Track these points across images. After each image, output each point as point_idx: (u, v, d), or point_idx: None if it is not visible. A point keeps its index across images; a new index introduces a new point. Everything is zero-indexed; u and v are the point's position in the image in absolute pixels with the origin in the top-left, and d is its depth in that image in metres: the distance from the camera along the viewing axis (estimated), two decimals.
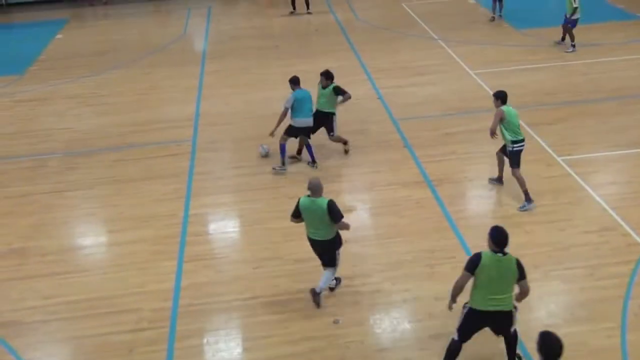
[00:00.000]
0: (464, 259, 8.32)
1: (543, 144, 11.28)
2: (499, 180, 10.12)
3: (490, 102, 9.88)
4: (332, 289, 8.05)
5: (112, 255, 9.15)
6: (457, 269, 8.15)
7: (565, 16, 15.80)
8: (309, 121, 10.79)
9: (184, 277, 8.44)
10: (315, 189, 7.39)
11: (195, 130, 12.73)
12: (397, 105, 13.30)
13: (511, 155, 9.47)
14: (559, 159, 10.80)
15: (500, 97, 9.49)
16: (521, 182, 9.49)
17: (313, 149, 11.03)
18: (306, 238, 7.78)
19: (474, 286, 6.35)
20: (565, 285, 7.97)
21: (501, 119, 9.33)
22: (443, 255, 8.59)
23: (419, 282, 8.13)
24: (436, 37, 17.67)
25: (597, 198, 9.65)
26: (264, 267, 8.58)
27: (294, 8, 20.99)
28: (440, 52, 16.48)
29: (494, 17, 18.73)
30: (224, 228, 9.69)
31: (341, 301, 7.87)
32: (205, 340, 7.44)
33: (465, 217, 9.47)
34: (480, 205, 9.97)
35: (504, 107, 9.40)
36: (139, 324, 7.67)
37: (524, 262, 6.34)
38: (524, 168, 9.70)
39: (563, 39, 16.21)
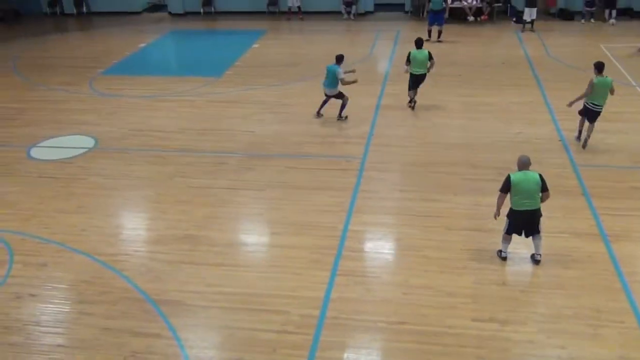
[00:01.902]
0: (634, 326, 7.67)
1: None
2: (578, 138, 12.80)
3: None
4: (537, 262, 8.92)
5: (272, 256, 9.56)
6: (624, 335, 7.53)
7: None
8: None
9: (334, 290, 8.60)
10: (526, 164, 8.68)
11: (367, 149, 12.96)
12: (579, 150, 12.52)
13: (586, 111, 12.31)
14: None
15: (597, 67, 12.02)
16: (589, 131, 12.38)
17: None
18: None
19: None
20: None
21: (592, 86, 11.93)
22: (609, 317, 7.89)
23: (578, 340, 7.55)
24: (634, 84, 16.39)
25: None
26: (415, 294, 8.48)
27: (429, 36, 21.10)
28: (634, 100, 15.25)
29: None
30: (380, 248, 9.72)
31: (489, 345, 7.54)
32: (345, 355, 7.51)
33: (639, 281, 8.64)
34: None
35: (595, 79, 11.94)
36: (285, 326, 7.94)
37: None
38: None
39: None
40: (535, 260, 9.01)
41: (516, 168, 8.79)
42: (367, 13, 26.11)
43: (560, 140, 13.04)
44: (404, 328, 7.87)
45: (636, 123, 13.75)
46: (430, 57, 14.55)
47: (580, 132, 12.86)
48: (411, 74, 14.83)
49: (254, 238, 10.14)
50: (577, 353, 7.36)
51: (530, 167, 8.73)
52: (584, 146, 12.55)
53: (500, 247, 9.14)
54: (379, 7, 26.54)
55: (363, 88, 15.45)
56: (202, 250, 9.64)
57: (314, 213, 10.55)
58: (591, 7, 23.53)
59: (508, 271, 8.95)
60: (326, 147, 13.15)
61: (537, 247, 8.97)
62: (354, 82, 14.19)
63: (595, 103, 12.14)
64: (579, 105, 12.49)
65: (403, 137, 13.44)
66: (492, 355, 7.39)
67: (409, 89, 15.00)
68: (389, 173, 12.06)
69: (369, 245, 9.82)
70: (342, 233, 9.93)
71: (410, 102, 15.12)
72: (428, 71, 14.74)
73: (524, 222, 8.78)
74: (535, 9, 22.27)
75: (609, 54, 19.14)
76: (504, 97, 15.71)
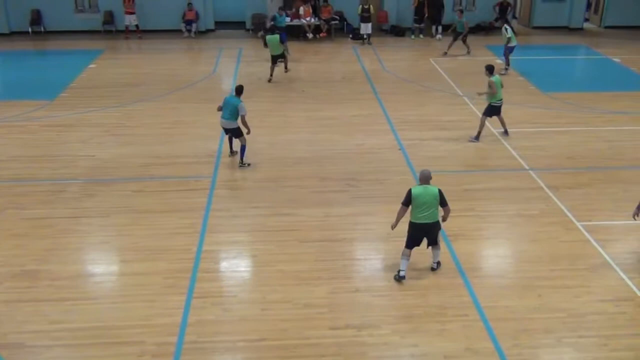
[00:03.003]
0: (477, 319, 8.25)
1: (563, 207, 11.16)
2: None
3: (512, 162, 9.92)
4: (433, 269, 9.23)
5: (122, 285, 9.12)
6: (468, 328, 8.07)
7: (505, 45, 19.41)
8: None
9: (191, 313, 8.37)
10: (427, 177, 8.91)
11: (216, 168, 12.82)
12: (418, 158, 13.31)
13: (490, 108, 14.06)
14: (578, 224, 10.66)
15: (488, 69, 14.05)
16: (481, 125, 14.09)
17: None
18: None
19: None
20: (577, 354, 7.75)
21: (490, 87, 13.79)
22: (454, 312, 8.41)
23: (428, 337, 7.95)
24: (461, 94, 17.79)
25: (615, 267, 9.46)
26: (272, 310, 8.48)
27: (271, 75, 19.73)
28: (464, 109, 16.55)
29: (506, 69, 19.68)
30: (236, 266, 9.63)
31: (347, 351, 7.72)
32: None
33: (480, 276, 9.32)
34: (496, 264, 9.84)
35: (493, 78, 13.82)
36: (141, 357, 7.58)
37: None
38: (543, 230, 9.95)
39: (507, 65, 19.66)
40: (432, 268, 9.31)
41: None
42: (208, 31, 25.94)
43: (399, 149, 13.77)
44: (263, 345, 7.83)
45: (466, 130, 14.89)
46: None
47: (479, 132, 14.19)
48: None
49: (101, 268, 9.60)
50: (428, 349, 7.76)
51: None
52: (506, 132, 14.42)
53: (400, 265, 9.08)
54: (219, 24, 26.49)
55: (209, 106, 15.27)
56: (42, 285, 8.94)
57: (165, 237, 10.22)
58: (420, 24, 25.25)
59: (360, 278, 9.26)
60: (174, 168, 12.83)
61: (435, 256, 9.28)
62: (248, 132, 12.83)
63: (499, 99, 14.00)
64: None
65: (253, 153, 13.44)
66: None
67: None
68: (241, 190, 12.04)
69: (224, 265, 9.69)
70: (196, 255, 9.71)
71: None
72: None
73: (422, 235, 8.95)
74: (369, 24, 23.62)
75: (437, 67, 20.62)
76: (345, 111, 16.32)
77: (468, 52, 22.05)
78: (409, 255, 9.06)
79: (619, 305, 8.58)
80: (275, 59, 18.87)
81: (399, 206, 8.91)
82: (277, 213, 11.02)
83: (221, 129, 13.08)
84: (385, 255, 9.87)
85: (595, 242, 10.10)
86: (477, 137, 14.21)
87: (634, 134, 14.87)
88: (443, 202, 8.86)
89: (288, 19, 23.74)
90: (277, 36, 18.78)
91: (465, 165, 13.13)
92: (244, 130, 12.75)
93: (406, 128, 15.06)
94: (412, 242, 9.01)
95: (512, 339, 7.88)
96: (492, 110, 14.15)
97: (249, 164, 12.90)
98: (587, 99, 17.22)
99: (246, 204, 11.39)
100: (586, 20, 27.58)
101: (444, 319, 8.29)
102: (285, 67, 19.47)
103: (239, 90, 12.92)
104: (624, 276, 9.21)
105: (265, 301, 8.66)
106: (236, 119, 12.64)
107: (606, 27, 27.02)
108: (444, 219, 9.09)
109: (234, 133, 12.92)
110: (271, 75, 18.93)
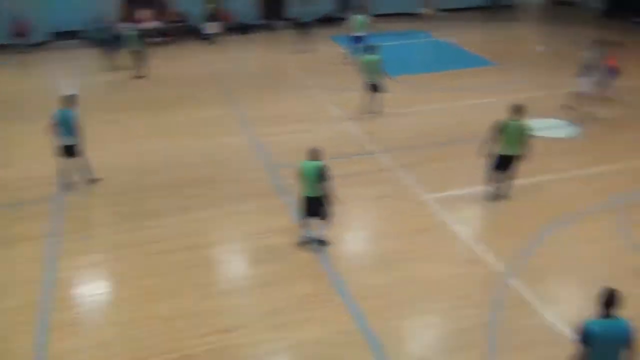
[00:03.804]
0: (341, 302, 8.43)
1: (414, 184, 11.70)
2: None
3: (361, 147, 10.13)
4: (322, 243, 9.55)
5: None
6: (335, 312, 8.22)
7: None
8: None
9: (50, 346, 7.82)
10: (313, 153, 9.27)
11: (61, 188, 12.03)
12: (273, 154, 13.37)
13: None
14: (428, 196, 11.23)
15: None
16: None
17: None
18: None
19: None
20: (439, 319, 8.19)
21: None
22: (319, 299, 8.56)
23: (298, 327, 8.03)
24: (310, 85, 18.10)
25: (462, 234, 10.08)
26: (136, 329, 8.13)
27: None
28: (315, 100, 16.86)
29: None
30: (93, 290, 9.09)
31: (222, 356, 7.61)
32: None
33: (341, 259, 9.52)
34: (356, 246, 10.14)
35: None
36: None
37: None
38: (397, 207, 10.30)
39: None
40: (319, 242, 9.75)
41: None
42: (42, 43, 24.44)
43: (255, 147, 13.76)
44: None
45: (316, 122, 15.16)
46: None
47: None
48: None
49: None
50: (301, 338, 7.85)
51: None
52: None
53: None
54: (56, 35, 25.06)
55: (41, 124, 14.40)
56: None
57: (7, 269, 9.47)
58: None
59: (222, 280, 9.18)
60: (7, 194, 11.85)
61: (320, 231, 9.71)
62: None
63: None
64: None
65: (99, 168, 12.60)
66: None
67: None
68: (92, 209, 11.37)
69: (79, 290, 9.12)
70: (47, 285, 9.09)
71: None
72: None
73: (307, 207, 9.43)
74: (216, 23, 23.51)
75: (284, 62, 20.81)
76: (196, 113, 16.05)
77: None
78: (306, 226, 9.69)
79: (468, 269, 9.16)
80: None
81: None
82: (132, 228, 10.57)
83: (58, 149, 11.64)
84: (245, 254, 9.86)
85: (444, 212, 10.70)
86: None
87: (477, 108, 15.85)
88: (323, 178, 9.18)
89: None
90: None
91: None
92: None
93: (260, 125, 15.09)
94: (301, 213, 9.58)
95: (378, 316, 8.16)
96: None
97: (97, 180, 12.21)
98: (429, 80, 18.17)
99: (98, 223, 10.78)
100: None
101: (311, 307, 8.41)
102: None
103: (72, 99, 11.51)
104: (471, 242, 9.84)
105: (128, 320, 8.30)
106: (76, 134, 11.47)
107: (441, 11, 28.71)
108: (326, 197, 9.39)
109: (74, 151, 11.60)
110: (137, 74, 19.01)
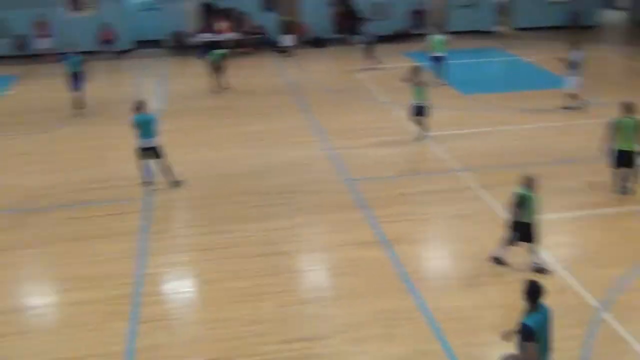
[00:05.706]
0: (423, 320, 8.43)
1: (495, 205, 11.57)
2: None
3: (442, 164, 10.15)
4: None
5: (62, 316, 8.80)
6: (416, 331, 8.22)
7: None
8: None
9: (138, 340, 8.16)
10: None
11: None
12: (350, 166, 13.50)
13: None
14: None
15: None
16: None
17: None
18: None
19: None
20: None
21: None
22: (401, 316, 8.54)
23: (377, 343, 8.05)
24: (386, 101, 18.18)
25: (553, 260, 9.76)
26: (221, 328, 8.37)
27: None
28: (390, 115, 16.94)
29: (443, 83, 19.33)
30: (179, 288, 9.49)
31: None
32: None
33: (423, 278, 9.48)
34: (438, 265, 10.10)
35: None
36: None
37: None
38: (479, 228, 10.25)
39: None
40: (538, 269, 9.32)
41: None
42: (127, 50, 25.42)
43: (331, 159, 13.91)
44: None
45: (392, 136, 15.22)
46: None
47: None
48: None
49: (38, 300, 9.26)
50: (378, 355, 7.85)
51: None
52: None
53: None
54: (140, 44, 26.04)
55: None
56: None
57: (102, 263, 9.93)
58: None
59: (306, 289, 9.32)
60: (105, 192, 12.49)
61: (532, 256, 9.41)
62: None
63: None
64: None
65: (184, 172, 13.12)
66: None
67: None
68: (177, 210, 11.84)
69: (167, 287, 9.52)
70: (138, 279, 9.49)
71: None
72: None
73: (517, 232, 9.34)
74: (291, 36, 23.94)
75: (359, 77, 20.99)
76: (274, 124, 16.38)
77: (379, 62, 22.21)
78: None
79: (557, 297, 8.95)
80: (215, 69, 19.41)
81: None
82: (216, 231, 10.91)
83: (139, 150, 12.26)
84: (327, 265, 9.98)
85: None
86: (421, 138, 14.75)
87: (552, 130, 15.56)
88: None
89: None
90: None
91: (396, 170, 13.38)
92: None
93: (335, 137, 15.26)
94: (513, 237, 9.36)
95: (460, 338, 8.06)
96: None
97: (180, 182, 12.62)
98: (506, 99, 17.96)
99: (184, 224, 11.25)
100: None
101: (392, 324, 8.42)
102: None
103: (143, 104, 12.18)
104: (558, 267, 9.59)
105: (212, 320, 8.56)
106: (156, 135, 12.13)
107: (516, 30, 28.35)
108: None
109: (155, 152, 12.25)
110: (219, 86, 19.42)
